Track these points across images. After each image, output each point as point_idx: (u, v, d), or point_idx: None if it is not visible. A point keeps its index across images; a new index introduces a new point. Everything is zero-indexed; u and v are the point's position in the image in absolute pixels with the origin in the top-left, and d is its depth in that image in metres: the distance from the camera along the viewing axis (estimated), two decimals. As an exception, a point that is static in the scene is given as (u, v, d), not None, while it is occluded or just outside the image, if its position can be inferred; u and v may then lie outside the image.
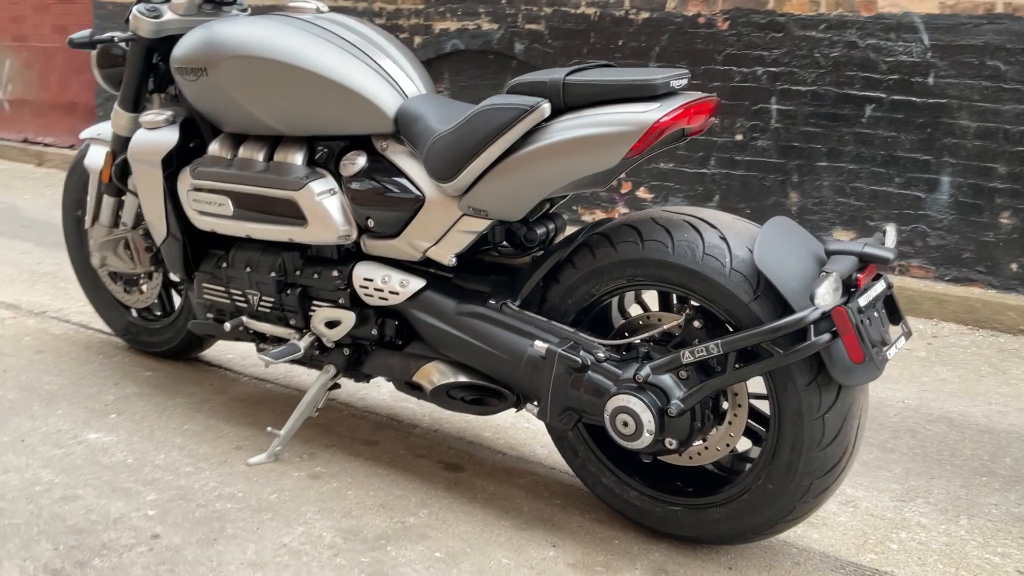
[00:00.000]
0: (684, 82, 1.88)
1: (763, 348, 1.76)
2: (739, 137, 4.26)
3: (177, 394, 2.67)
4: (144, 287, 2.89)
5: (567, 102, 1.88)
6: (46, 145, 7.04)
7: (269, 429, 2.33)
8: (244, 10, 2.61)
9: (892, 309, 1.86)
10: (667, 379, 1.84)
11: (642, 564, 1.93)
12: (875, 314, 1.77)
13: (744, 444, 2.03)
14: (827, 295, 1.63)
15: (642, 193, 4.67)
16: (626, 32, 4.58)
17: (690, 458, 2.00)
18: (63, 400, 2.59)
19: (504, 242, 2.18)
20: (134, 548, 1.87)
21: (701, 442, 1.97)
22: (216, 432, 2.43)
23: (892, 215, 3.93)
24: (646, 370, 1.83)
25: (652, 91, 1.82)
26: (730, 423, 1.93)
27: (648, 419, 1.82)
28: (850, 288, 1.72)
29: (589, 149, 1.84)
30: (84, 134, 2.85)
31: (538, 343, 1.93)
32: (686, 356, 1.81)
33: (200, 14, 2.50)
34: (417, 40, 5.23)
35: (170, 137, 2.41)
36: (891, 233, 1.89)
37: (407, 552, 1.92)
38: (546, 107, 1.87)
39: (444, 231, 2.07)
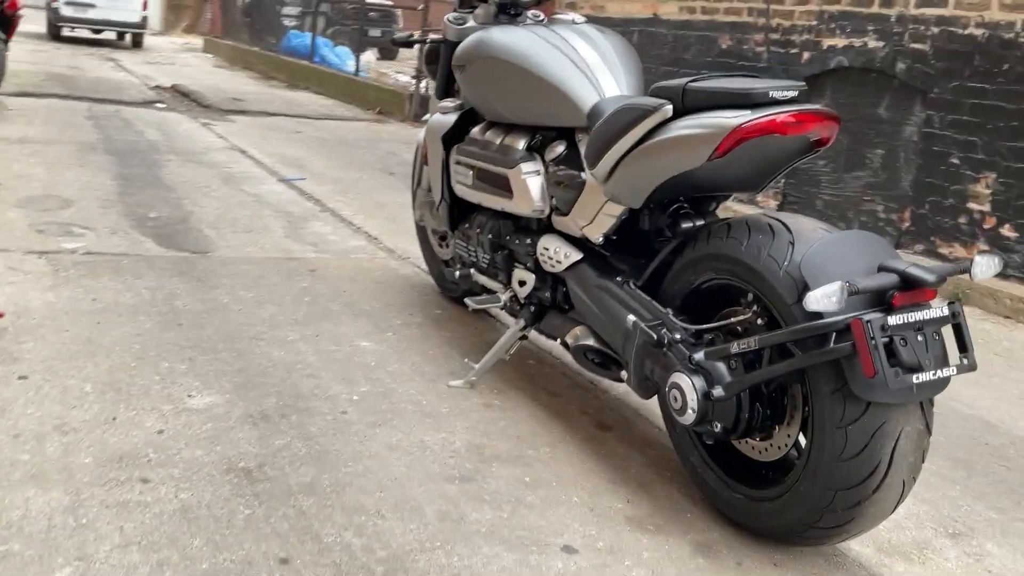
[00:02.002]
0: (791, 94, 1.99)
1: (790, 349, 1.84)
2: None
3: (443, 329, 3.30)
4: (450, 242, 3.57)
5: (686, 105, 2.09)
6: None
7: (466, 361, 2.84)
8: (540, 20, 3.12)
9: (960, 340, 1.79)
10: (719, 366, 1.99)
11: (694, 538, 2.10)
12: (919, 338, 1.75)
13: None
14: (820, 300, 1.69)
15: (1007, 231, 4.29)
16: (1012, 56, 4.23)
17: (759, 452, 2.10)
18: (365, 317, 3.36)
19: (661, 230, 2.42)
20: (324, 416, 2.51)
21: (764, 439, 2.06)
22: (447, 360, 3.00)
23: None
24: (700, 354, 2.01)
25: (751, 99, 1.97)
26: (788, 423, 2.00)
27: (692, 398, 1.99)
28: (885, 304, 1.73)
29: (682, 148, 2.05)
30: (424, 117, 3.60)
31: (630, 316, 2.18)
32: (733, 347, 1.95)
33: (495, 23, 3.06)
34: (805, 56, 5.30)
35: (450, 120, 3.02)
36: (984, 263, 1.81)
37: (504, 471, 2.31)
38: (668, 108, 2.11)
39: (595, 213, 2.39)
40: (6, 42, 6.91)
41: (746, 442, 2.13)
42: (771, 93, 1.97)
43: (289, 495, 2.07)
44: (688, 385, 2.00)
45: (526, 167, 2.62)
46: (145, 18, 18.23)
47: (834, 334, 1.76)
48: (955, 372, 1.77)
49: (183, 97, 10.35)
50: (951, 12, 4.50)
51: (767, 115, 1.94)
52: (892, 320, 1.72)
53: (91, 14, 17.40)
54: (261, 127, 8.29)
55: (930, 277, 1.73)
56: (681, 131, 2.06)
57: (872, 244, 1.89)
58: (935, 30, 4.58)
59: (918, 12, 4.65)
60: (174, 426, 2.33)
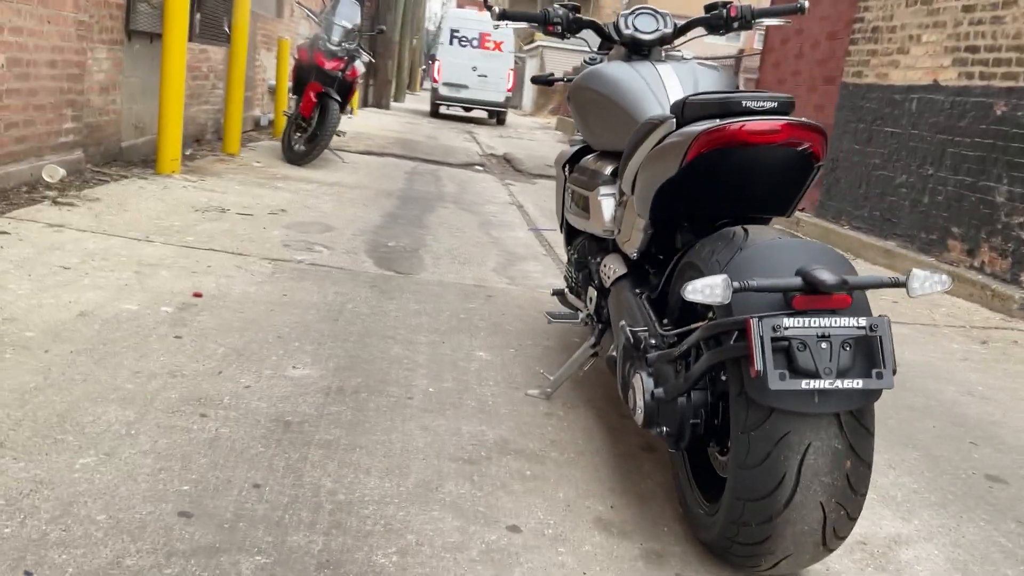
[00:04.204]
0: (769, 104, 1.98)
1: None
2: None
3: (568, 351, 3.46)
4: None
5: (685, 118, 2.15)
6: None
7: (541, 372, 2.98)
8: (679, 58, 3.23)
9: (875, 356, 1.68)
10: (666, 368, 2.00)
11: (650, 547, 2.09)
12: (823, 345, 1.67)
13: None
14: (699, 291, 1.68)
15: None
16: None
17: (722, 467, 2.05)
18: (501, 335, 3.61)
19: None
20: (389, 398, 2.79)
21: (723, 453, 2.02)
22: (550, 376, 3.16)
23: None
24: (653, 355, 2.03)
25: (728, 108, 2.00)
26: (736, 437, 1.95)
27: (639, 397, 2.02)
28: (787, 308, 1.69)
29: (664, 156, 2.11)
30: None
31: (623, 322, 2.24)
32: (676, 350, 1.96)
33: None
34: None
35: (571, 150, 3.23)
36: (923, 278, 1.68)
37: (512, 463, 2.44)
38: (671, 122, 2.18)
39: (631, 229, 2.48)
40: (343, 107, 8.13)
41: (716, 456, 2.09)
42: (744, 103, 1.98)
43: (305, 445, 2.38)
44: (639, 386, 2.02)
45: (604, 190, 2.75)
46: (509, 98, 20.08)
47: (736, 334, 1.73)
48: (860, 386, 1.65)
49: (505, 163, 11.34)
50: None
51: (731, 123, 1.95)
52: (788, 323, 1.66)
53: (463, 94, 19.53)
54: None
55: (830, 281, 1.64)
56: (667, 141, 2.12)
57: (822, 255, 1.81)
58: None
59: None
60: (261, 385, 2.75)
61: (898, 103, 6.53)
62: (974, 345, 4.51)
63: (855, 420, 1.73)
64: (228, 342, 3.08)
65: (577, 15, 3.05)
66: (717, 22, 2.97)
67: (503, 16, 2.99)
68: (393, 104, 22.61)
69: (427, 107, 22.39)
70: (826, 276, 1.66)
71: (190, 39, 7.07)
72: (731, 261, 1.83)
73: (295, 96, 8.44)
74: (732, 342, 1.74)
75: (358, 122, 14.84)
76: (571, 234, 3.23)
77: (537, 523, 2.13)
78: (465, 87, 19.45)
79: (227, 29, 8.16)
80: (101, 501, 1.96)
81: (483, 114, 21.33)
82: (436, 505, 2.16)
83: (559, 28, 3.05)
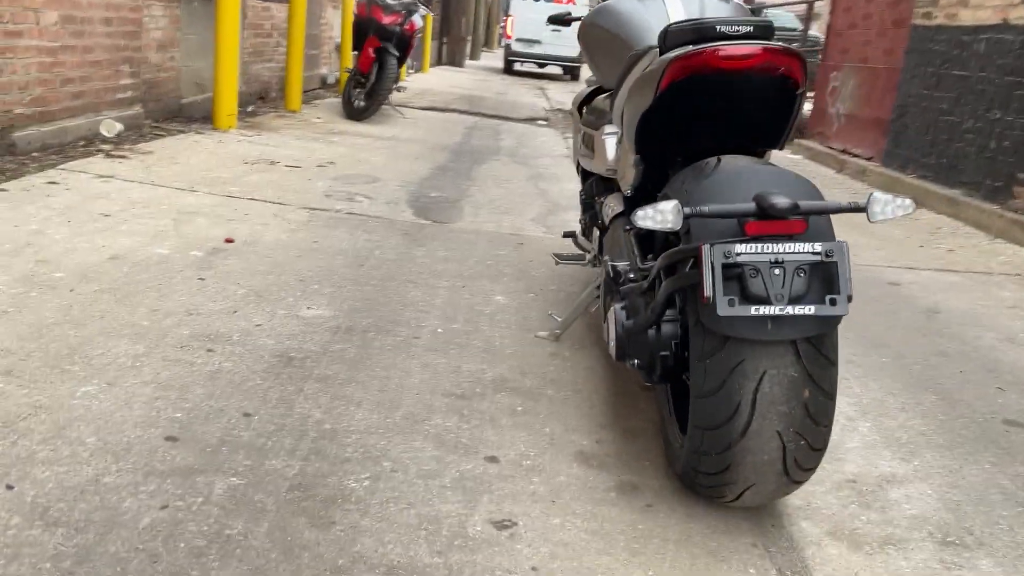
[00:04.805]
0: (745, 29, 1.93)
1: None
2: None
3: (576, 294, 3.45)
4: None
5: (667, 46, 2.11)
6: (852, 155, 7.84)
7: (550, 313, 2.99)
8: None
9: (830, 283, 1.64)
10: (637, 300, 1.99)
11: (627, 479, 2.10)
12: (776, 271, 1.64)
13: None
14: (649, 216, 1.66)
15: None
16: None
17: (698, 400, 2.03)
18: (525, 280, 3.62)
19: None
20: (396, 337, 2.83)
21: (696, 384, 2.00)
22: (560, 315, 3.17)
23: None
24: (626, 288, 2.01)
25: (701, 34, 1.96)
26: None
27: (611, 328, 2.01)
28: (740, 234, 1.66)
29: (642, 86, 2.08)
30: None
31: (606, 256, 2.23)
32: (646, 282, 1.94)
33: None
34: None
35: (586, 91, 3.19)
36: (884, 202, 1.63)
37: (505, 399, 2.46)
38: (655, 52, 2.15)
39: (626, 165, 2.45)
40: (401, 61, 8.18)
41: (692, 390, 2.07)
42: (719, 27, 1.93)
43: (303, 379, 2.44)
44: (612, 318, 2.02)
45: (608, 128, 2.72)
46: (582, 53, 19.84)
47: (691, 261, 1.71)
48: (812, 311, 1.61)
49: (570, 117, 11.23)
50: None
51: (704, 48, 1.91)
52: (740, 248, 1.63)
53: (536, 49, 19.38)
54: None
55: (781, 204, 1.60)
56: (646, 70, 2.08)
57: (785, 181, 1.77)
58: None
59: None
60: (273, 324, 2.83)
61: (966, 44, 6.24)
62: (1028, 293, 4.33)
63: (813, 348, 1.69)
64: (249, 284, 3.17)
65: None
66: None
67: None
68: (469, 62, 22.57)
69: (499, 63, 22.31)
70: (778, 200, 1.62)
71: (247, -4, 7.18)
72: (695, 189, 1.80)
73: (356, 52, 8.52)
74: (688, 269, 1.72)
75: (429, 79, 14.90)
76: (585, 176, 3.21)
77: (517, 455, 2.16)
78: (538, 42, 19.29)
79: (285, -14, 8.26)
80: (94, 425, 2.05)
81: (558, 70, 21.15)
82: (419, 436, 2.20)
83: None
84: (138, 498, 1.79)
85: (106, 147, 5.23)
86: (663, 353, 1.94)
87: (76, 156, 4.90)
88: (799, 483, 1.82)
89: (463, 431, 2.25)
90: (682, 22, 2.08)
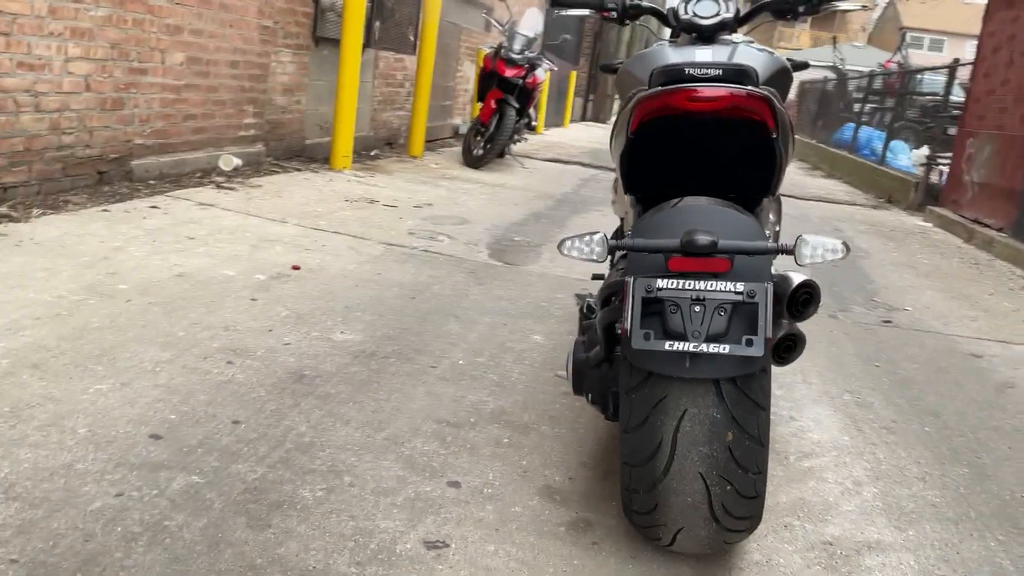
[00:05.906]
0: (714, 72, 1.93)
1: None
2: None
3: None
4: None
5: (651, 86, 2.12)
6: (983, 224, 7.43)
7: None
8: (749, 43, 3.14)
9: (750, 324, 1.60)
10: (596, 336, 1.99)
11: (582, 516, 2.07)
12: (696, 308, 1.62)
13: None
14: (574, 247, 1.68)
15: None
16: None
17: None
18: (570, 322, 3.63)
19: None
20: (413, 365, 2.90)
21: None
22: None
23: None
24: (587, 322, 2.02)
25: (671, 77, 1.97)
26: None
27: (568, 364, 2.02)
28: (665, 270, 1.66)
29: (619, 128, 2.09)
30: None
31: (588, 293, 2.24)
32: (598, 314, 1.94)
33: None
34: None
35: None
36: (814, 244, 1.60)
37: (495, 431, 2.48)
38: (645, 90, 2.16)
39: (624, 206, 2.45)
40: (521, 114, 8.39)
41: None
42: (687, 70, 1.93)
43: (304, 396, 2.55)
44: (571, 350, 2.02)
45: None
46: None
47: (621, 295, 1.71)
48: (727, 351, 1.57)
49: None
50: None
51: (668, 89, 1.91)
52: (661, 284, 1.62)
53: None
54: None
55: (701, 241, 1.58)
56: (622, 109, 2.10)
57: (725, 221, 1.74)
58: None
59: None
60: (300, 344, 2.96)
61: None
62: None
63: (738, 390, 1.65)
64: (295, 307, 3.33)
65: (635, 0, 3.04)
66: (783, 6, 2.86)
67: (556, 3, 3.03)
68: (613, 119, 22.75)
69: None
70: (699, 237, 1.60)
71: (369, 45, 7.57)
72: (640, 224, 1.81)
73: (481, 103, 8.80)
74: (618, 303, 1.72)
75: (566, 133, 15.14)
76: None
77: (481, 483, 2.17)
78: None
79: (412, 39, 8.64)
80: (90, 419, 2.22)
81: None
82: (391, 456, 2.25)
83: (614, 14, 3.05)
84: (99, 485, 1.92)
85: (219, 179, 5.61)
86: (614, 390, 1.93)
87: (189, 186, 5.28)
88: (737, 532, 1.76)
89: (437, 456, 2.28)
90: (667, 65, 2.09)
